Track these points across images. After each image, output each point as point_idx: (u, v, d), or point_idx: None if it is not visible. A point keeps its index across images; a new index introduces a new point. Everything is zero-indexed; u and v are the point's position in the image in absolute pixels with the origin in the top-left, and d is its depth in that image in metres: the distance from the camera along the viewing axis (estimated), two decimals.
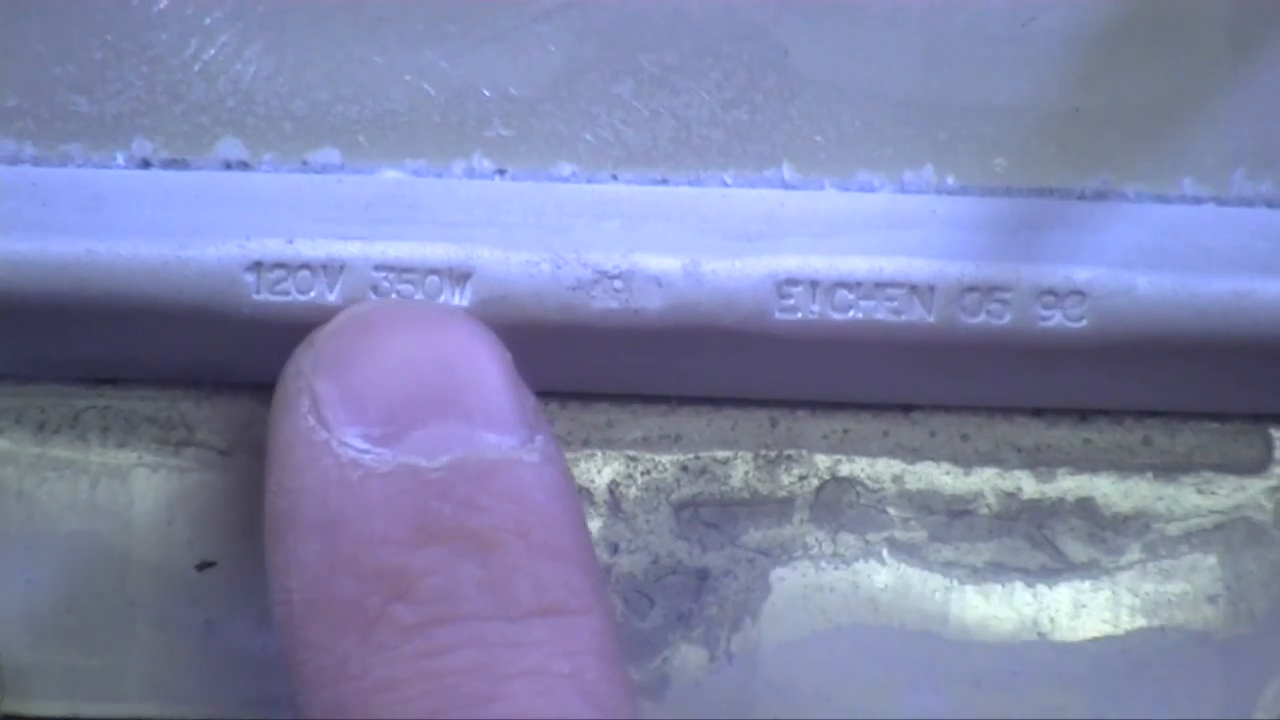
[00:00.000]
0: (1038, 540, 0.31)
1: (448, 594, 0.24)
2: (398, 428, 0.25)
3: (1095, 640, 0.31)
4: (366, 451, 0.24)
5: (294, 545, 0.24)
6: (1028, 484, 0.31)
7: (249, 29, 0.29)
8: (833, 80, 0.30)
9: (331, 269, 0.28)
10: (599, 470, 0.31)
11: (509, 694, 0.23)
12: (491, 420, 0.25)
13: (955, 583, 0.31)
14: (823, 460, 0.31)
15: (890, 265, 0.28)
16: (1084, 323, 0.28)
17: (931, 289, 0.28)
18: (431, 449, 0.25)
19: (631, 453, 0.31)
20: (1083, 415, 0.31)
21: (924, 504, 0.31)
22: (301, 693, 0.24)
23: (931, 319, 0.28)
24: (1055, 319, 0.28)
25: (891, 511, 0.31)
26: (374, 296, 0.28)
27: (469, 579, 0.24)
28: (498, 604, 0.24)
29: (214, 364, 0.30)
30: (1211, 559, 0.31)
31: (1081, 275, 0.28)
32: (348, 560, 0.24)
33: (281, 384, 0.26)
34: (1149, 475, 0.31)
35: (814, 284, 0.28)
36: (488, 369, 0.26)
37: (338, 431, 0.25)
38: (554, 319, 0.28)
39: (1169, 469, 0.32)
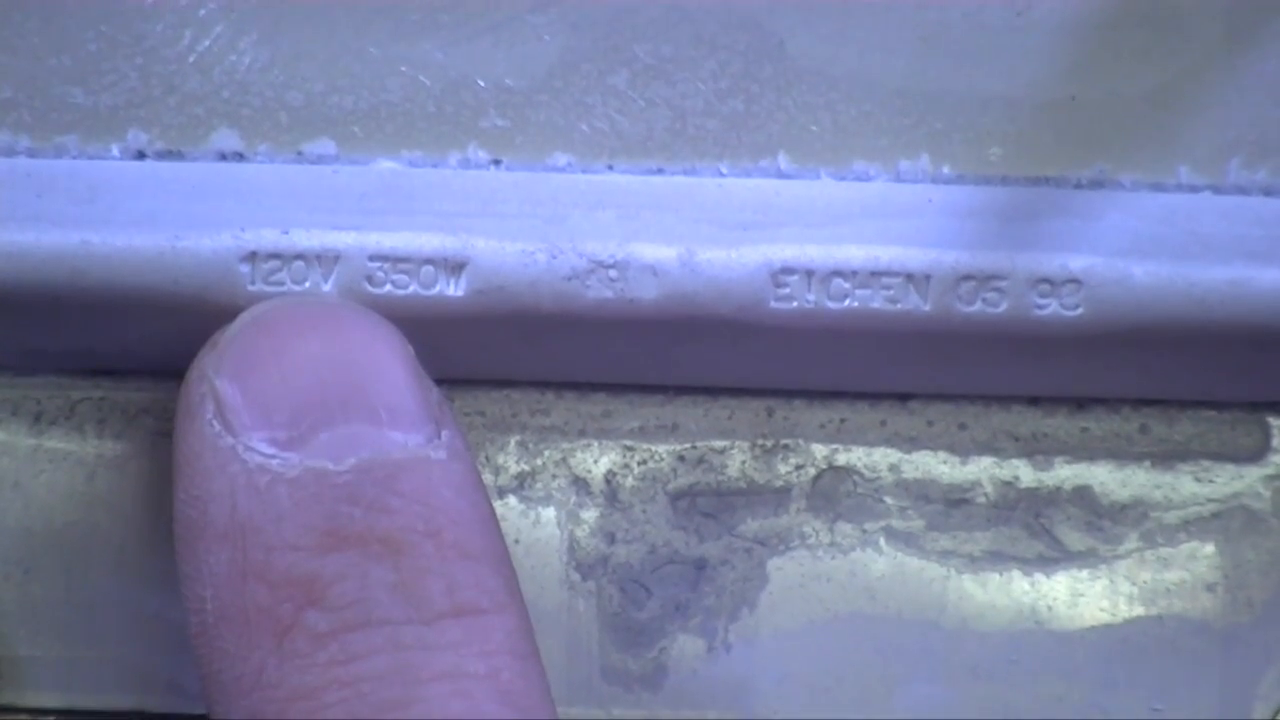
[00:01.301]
0: (1035, 529, 0.31)
1: (360, 599, 0.24)
2: (303, 430, 0.25)
3: (1093, 629, 0.31)
4: (273, 456, 0.24)
5: (204, 553, 0.24)
6: (1025, 473, 0.31)
7: (243, 20, 0.29)
8: (828, 70, 0.30)
9: (326, 259, 0.28)
10: (595, 460, 0.31)
11: (425, 698, 0.23)
12: (397, 418, 0.25)
13: (953, 572, 0.31)
14: (820, 450, 0.31)
15: (886, 254, 0.28)
16: (1080, 311, 0.28)
17: (927, 278, 0.28)
18: (338, 451, 0.24)
19: (628, 442, 0.31)
20: (1080, 404, 0.31)
21: (921, 493, 0.31)
22: (218, 703, 0.24)
23: (927, 308, 0.28)
24: (1051, 307, 0.28)
25: (889, 501, 0.31)
26: (369, 287, 0.28)
27: (380, 583, 0.24)
28: (410, 607, 0.24)
29: None
30: (1209, 547, 0.31)
31: (1077, 264, 0.28)
32: (258, 567, 0.24)
33: (185, 388, 0.26)
34: (1146, 464, 0.31)
35: (809, 273, 0.28)
36: (391, 366, 0.25)
37: (243, 436, 0.25)
38: (549, 309, 0.28)
39: (1166, 457, 0.31)
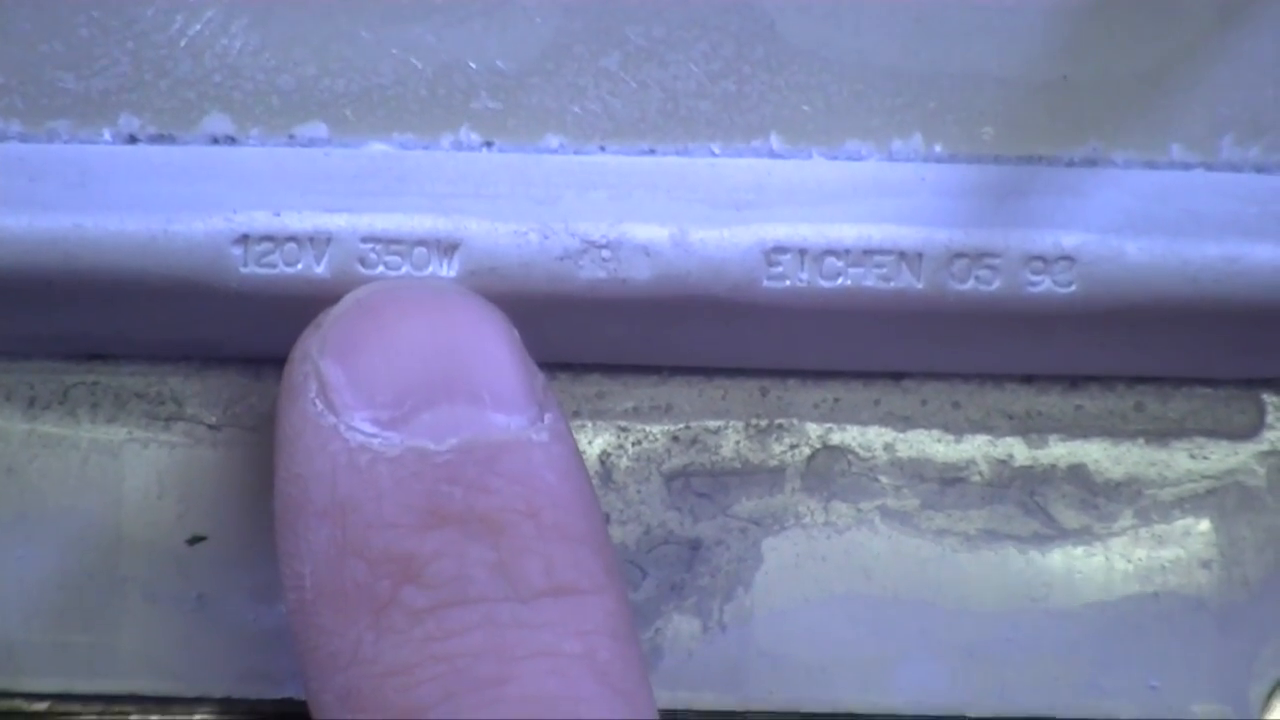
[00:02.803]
0: (1030, 507, 0.31)
1: (458, 577, 0.24)
2: (406, 411, 0.25)
3: (1089, 606, 0.31)
4: (375, 435, 0.24)
5: (304, 531, 0.24)
6: (1019, 451, 0.31)
7: (235, 4, 0.29)
8: (820, 50, 0.30)
9: (319, 241, 0.28)
10: (590, 441, 0.31)
11: (520, 675, 0.23)
12: (500, 401, 0.25)
13: (948, 551, 0.31)
14: (814, 429, 0.31)
15: (879, 233, 0.28)
16: (1073, 288, 0.28)
17: (920, 256, 0.28)
18: (440, 431, 0.24)
19: (622, 423, 0.31)
20: (1074, 382, 0.31)
21: (916, 472, 0.31)
22: (314, 678, 0.24)
23: (920, 285, 0.28)
24: (1044, 284, 0.28)
25: (883, 480, 0.31)
26: (361, 268, 0.28)
27: (479, 561, 0.24)
28: (508, 586, 0.24)
29: (202, 338, 0.30)
30: (1204, 524, 0.31)
31: (1070, 241, 0.28)
32: (358, 545, 0.24)
33: (288, 369, 0.26)
34: (1141, 441, 0.31)
35: (802, 252, 0.28)
36: (495, 349, 0.26)
37: (345, 416, 0.25)
38: (542, 289, 0.28)
39: (1161, 434, 0.31)
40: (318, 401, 0.25)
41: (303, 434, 0.25)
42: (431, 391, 0.25)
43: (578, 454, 0.26)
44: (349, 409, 0.25)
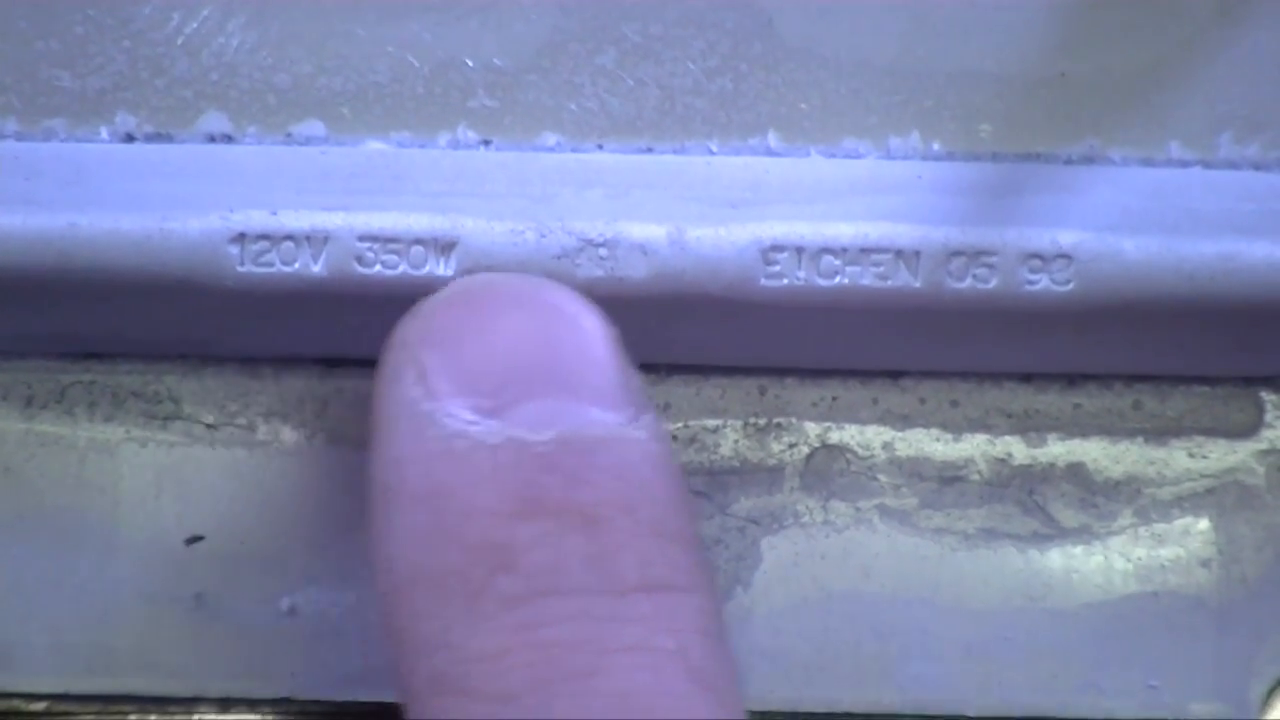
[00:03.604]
0: (1029, 506, 0.31)
1: (553, 567, 0.23)
2: (505, 401, 0.24)
3: (1087, 606, 0.31)
4: (474, 423, 0.24)
5: (399, 515, 0.24)
6: (1018, 450, 0.31)
7: (231, 3, 0.29)
8: (817, 48, 0.30)
9: (315, 240, 0.27)
10: None
11: (611, 668, 0.23)
12: (599, 397, 0.25)
13: (947, 550, 0.31)
14: (812, 428, 0.31)
15: (875, 230, 0.28)
16: (1071, 286, 0.28)
17: (917, 254, 0.28)
18: (539, 423, 0.24)
19: None
20: (1072, 380, 0.31)
21: (914, 471, 0.31)
22: (404, 660, 0.24)
23: (918, 284, 0.28)
24: (1042, 282, 0.28)
25: (882, 478, 0.31)
26: (358, 267, 0.28)
27: (574, 553, 0.24)
28: (602, 579, 0.23)
29: (199, 337, 0.30)
30: (1203, 523, 0.31)
31: (1068, 239, 0.28)
32: (453, 531, 0.24)
33: (386, 354, 0.26)
34: (1139, 440, 0.31)
35: (799, 250, 0.28)
36: (595, 346, 0.25)
37: (445, 402, 0.24)
38: None
39: (1160, 433, 0.31)
40: (417, 387, 0.25)
41: (400, 419, 0.25)
42: (532, 383, 0.25)
43: (673, 455, 0.26)
44: (448, 396, 0.25)
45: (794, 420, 0.31)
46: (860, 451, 0.31)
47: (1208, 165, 0.30)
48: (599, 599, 0.23)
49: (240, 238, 0.27)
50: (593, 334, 0.26)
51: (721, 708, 0.23)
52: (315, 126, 0.29)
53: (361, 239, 0.28)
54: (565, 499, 0.24)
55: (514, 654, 0.23)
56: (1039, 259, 0.28)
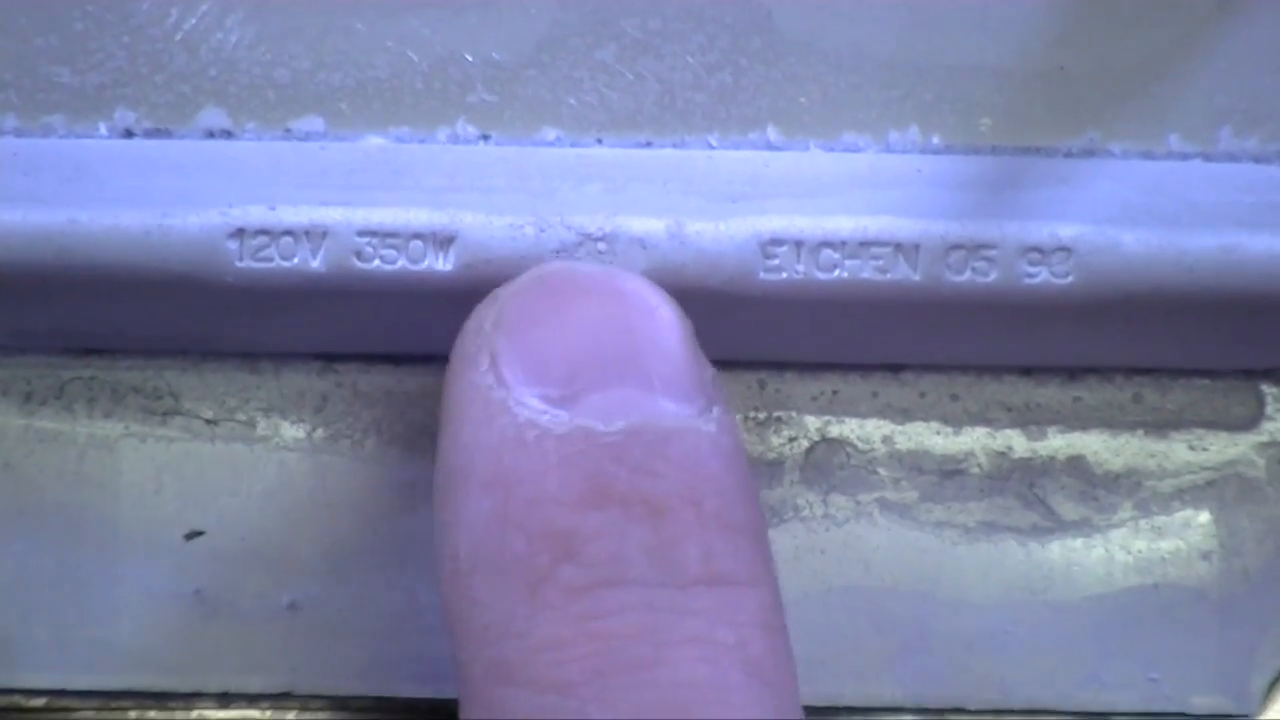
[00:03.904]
0: (1029, 499, 0.31)
1: (617, 557, 0.23)
2: (576, 390, 0.25)
3: (1088, 599, 0.31)
4: (544, 412, 0.24)
5: (465, 501, 0.24)
6: (1018, 443, 0.31)
7: None
8: (817, 42, 0.30)
9: (314, 235, 0.28)
10: None
11: (671, 660, 0.23)
12: (670, 388, 0.25)
13: (947, 543, 0.31)
14: (812, 421, 0.31)
15: (875, 224, 0.28)
16: (1070, 279, 0.28)
17: (917, 247, 0.28)
18: (609, 413, 0.24)
19: None
20: (1072, 373, 0.31)
21: (915, 464, 0.31)
22: (464, 648, 0.24)
23: (917, 277, 0.28)
24: (1041, 276, 0.28)
25: (882, 472, 0.31)
26: (357, 262, 0.28)
27: (638, 544, 0.24)
28: (666, 570, 0.24)
29: (199, 333, 0.30)
30: (1204, 516, 0.31)
31: (1067, 232, 0.28)
32: (519, 518, 0.24)
33: (461, 340, 0.26)
34: (1140, 432, 0.31)
35: (799, 244, 0.28)
36: (668, 337, 0.25)
37: (516, 390, 0.25)
38: None
39: (1160, 426, 0.31)
40: (489, 374, 0.25)
41: (471, 405, 0.25)
42: (603, 373, 0.25)
43: (743, 448, 0.26)
44: (520, 384, 0.25)
45: (794, 414, 0.31)
46: (860, 445, 0.31)
47: (1208, 158, 0.30)
48: (661, 591, 0.23)
49: (239, 233, 0.27)
50: (666, 324, 0.26)
51: (777, 702, 0.24)
52: (314, 122, 0.29)
53: (360, 234, 0.28)
54: (631, 489, 0.24)
55: (576, 643, 0.23)
56: (1038, 252, 0.28)
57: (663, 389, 0.25)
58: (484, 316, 0.26)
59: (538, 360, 0.25)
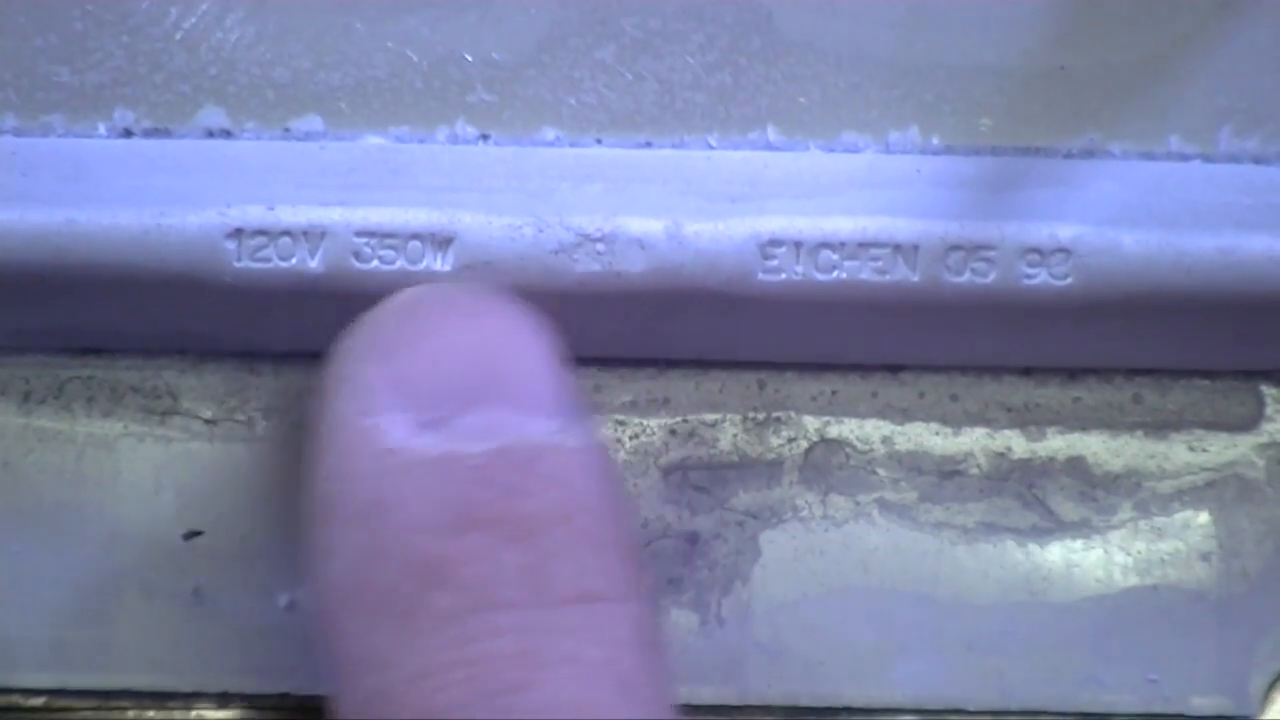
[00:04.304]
0: (1028, 500, 0.31)
1: (487, 581, 0.23)
2: (443, 414, 0.24)
3: (1087, 600, 0.31)
4: (412, 437, 0.24)
5: (336, 532, 0.24)
6: (1018, 443, 0.31)
7: None
8: (817, 42, 0.30)
9: (313, 235, 0.28)
10: None
11: (543, 681, 0.23)
12: (536, 406, 0.25)
13: (946, 543, 0.31)
14: (811, 422, 0.31)
15: (874, 225, 0.28)
16: (1070, 280, 0.28)
17: (916, 248, 0.28)
18: (476, 435, 0.24)
19: (619, 416, 0.31)
20: (1072, 374, 0.31)
21: (914, 465, 0.31)
22: (340, 680, 0.24)
23: (916, 278, 0.28)
24: (1041, 277, 0.28)
25: (881, 472, 0.31)
26: (355, 262, 0.28)
27: (509, 566, 0.24)
28: (536, 591, 0.24)
29: (197, 332, 0.30)
30: (1204, 516, 0.31)
31: (1067, 233, 0.28)
32: (389, 548, 0.24)
33: (327, 369, 0.26)
34: (1139, 433, 0.31)
35: (798, 245, 0.28)
36: (533, 354, 0.25)
37: (383, 417, 0.24)
38: (537, 283, 0.28)
39: (1160, 427, 0.31)
40: (356, 402, 0.25)
41: (339, 433, 0.25)
42: (470, 395, 0.25)
43: (609, 461, 0.26)
44: (387, 410, 0.25)
45: (793, 414, 0.31)
46: (859, 445, 0.31)
47: (1208, 159, 0.30)
48: (532, 612, 0.23)
49: (238, 233, 0.27)
50: (530, 343, 0.26)
51: (649, 718, 0.24)
52: (313, 121, 0.29)
53: (359, 234, 0.28)
54: (501, 511, 0.24)
55: (448, 671, 0.23)
56: (1038, 253, 0.28)
57: (529, 407, 0.25)
58: (349, 343, 0.26)
59: (404, 385, 0.25)
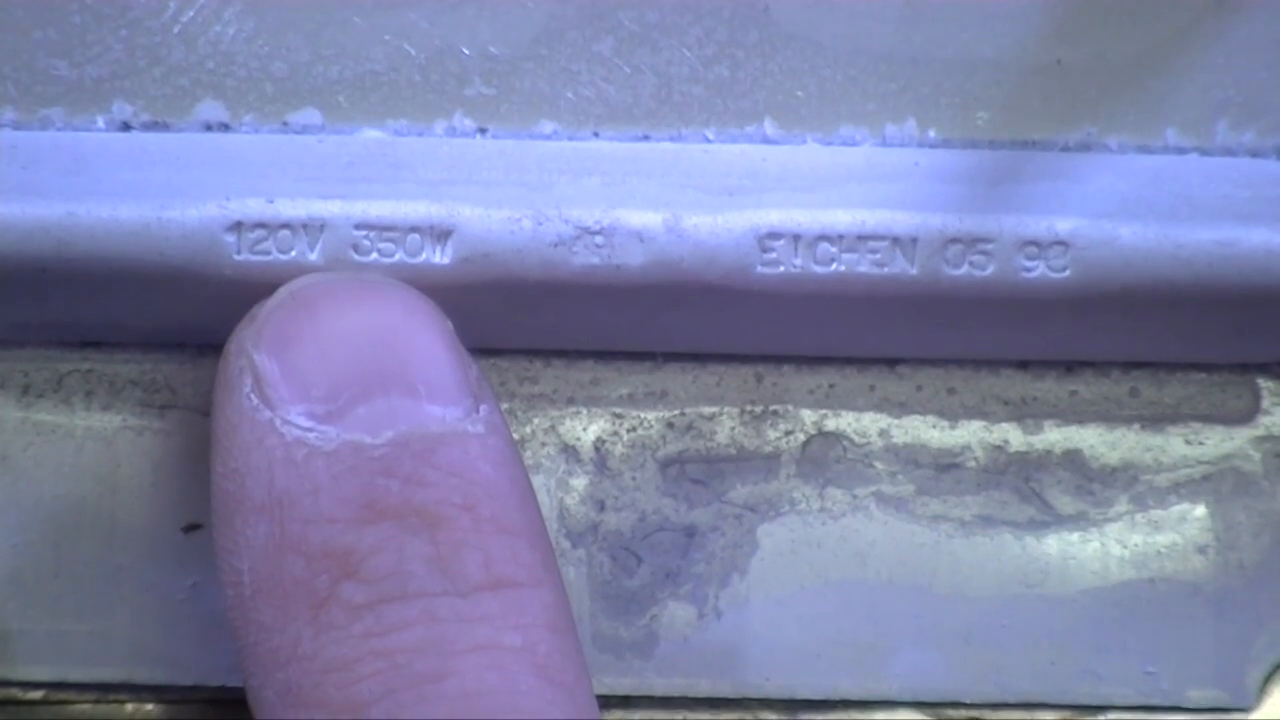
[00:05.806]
0: (1025, 493, 0.31)
1: (396, 571, 0.24)
2: (341, 404, 0.25)
3: (1084, 592, 0.31)
4: (311, 430, 0.24)
5: (242, 527, 0.24)
6: (1015, 436, 0.31)
7: None
8: (814, 35, 0.30)
9: (312, 228, 0.28)
10: (584, 428, 0.31)
11: (460, 670, 0.23)
12: (435, 393, 0.25)
13: (943, 537, 0.31)
14: (809, 415, 0.31)
15: (872, 218, 0.28)
16: (1067, 273, 0.28)
17: (914, 241, 0.28)
18: (376, 425, 0.24)
19: (617, 410, 0.31)
20: (1069, 367, 0.31)
21: (911, 458, 0.31)
22: (254, 674, 0.24)
23: (914, 271, 0.28)
24: (1038, 270, 0.28)
25: (879, 466, 0.31)
26: (355, 255, 0.28)
27: (417, 555, 0.24)
28: (446, 579, 0.24)
29: (197, 326, 0.30)
30: (1200, 510, 0.31)
31: (1064, 226, 0.28)
32: (295, 540, 0.24)
33: (224, 362, 0.26)
34: (1136, 426, 0.31)
35: (796, 237, 0.28)
36: (430, 341, 0.26)
37: (281, 410, 0.25)
38: (536, 276, 0.28)
39: (1156, 420, 0.31)
40: (253, 396, 0.25)
41: (239, 429, 0.25)
42: (367, 384, 0.25)
43: (514, 446, 0.26)
44: (285, 403, 0.25)
45: (790, 408, 0.31)
46: (857, 439, 0.31)
47: (1204, 152, 0.30)
48: (443, 600, 0.24)
49: (237, 226, 0.27)
50: (426, 329, 0.26)
51: (569, 701, 0.24)
52: (312, 115, 0.29)
53: (358, 227, 0.28)
54: (405, 501, 0.24)
55: (363, 662, 0.23)
56: (1035, 246, 0.28)
57: (428, 394, 0.25)
58: (244, 337, 0.26)
59: (300, 377, 0.25)
